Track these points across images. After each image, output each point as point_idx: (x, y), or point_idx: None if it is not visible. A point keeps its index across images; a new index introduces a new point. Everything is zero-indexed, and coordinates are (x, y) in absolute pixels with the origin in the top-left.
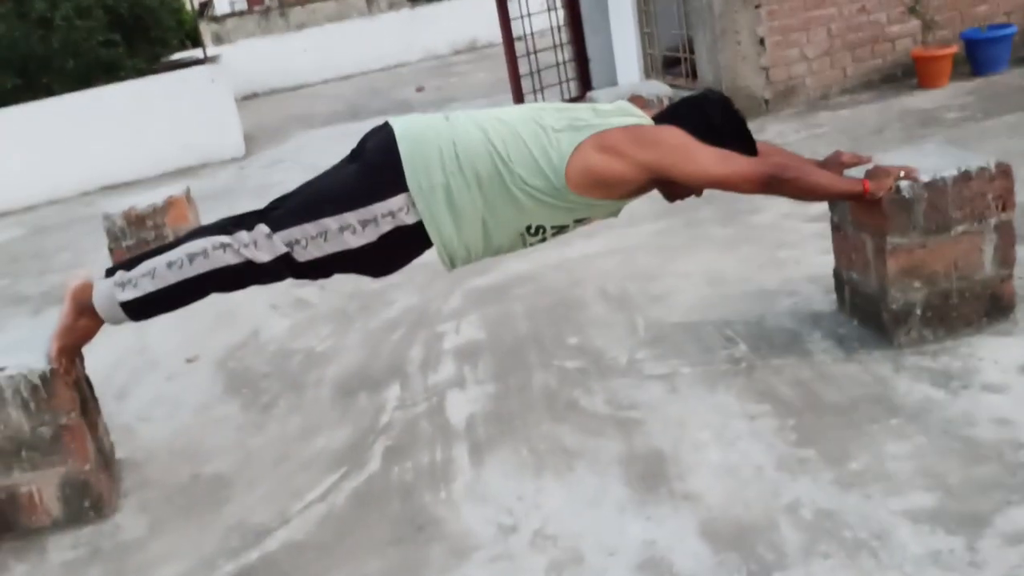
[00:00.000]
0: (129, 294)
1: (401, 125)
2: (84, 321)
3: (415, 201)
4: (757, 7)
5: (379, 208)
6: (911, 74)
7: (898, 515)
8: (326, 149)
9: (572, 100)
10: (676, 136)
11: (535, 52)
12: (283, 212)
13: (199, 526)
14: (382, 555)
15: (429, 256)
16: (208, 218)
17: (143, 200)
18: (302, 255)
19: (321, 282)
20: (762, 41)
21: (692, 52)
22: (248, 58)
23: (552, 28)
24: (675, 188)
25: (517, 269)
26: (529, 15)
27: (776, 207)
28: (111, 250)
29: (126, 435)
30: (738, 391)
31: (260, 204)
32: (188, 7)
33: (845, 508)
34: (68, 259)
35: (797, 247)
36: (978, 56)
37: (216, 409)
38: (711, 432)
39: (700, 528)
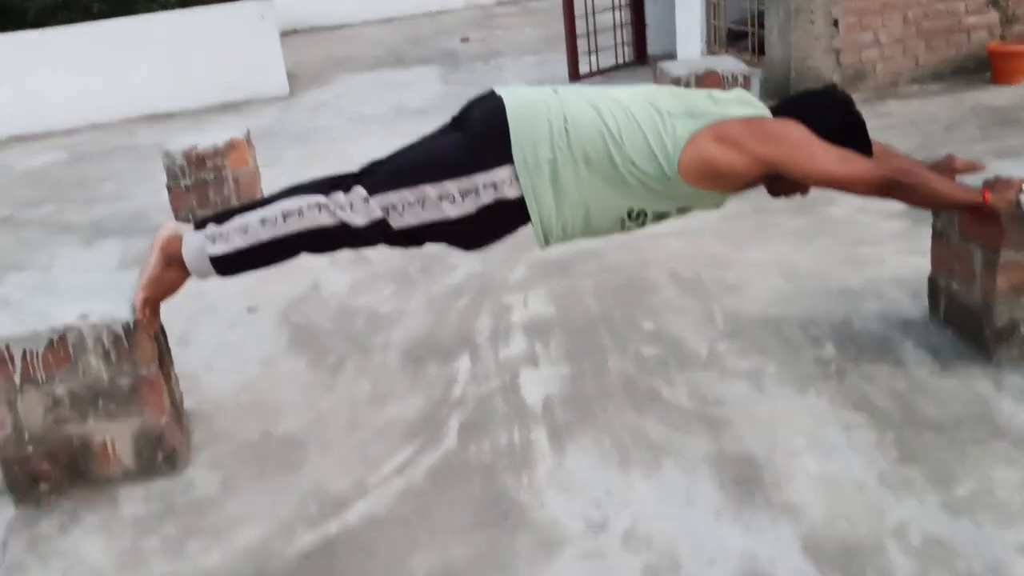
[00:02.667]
0: (219, 248)
1: (511, 96)
2: (171, 273)
3: (519, 175)
4: None
5: (481, 179)
6: (984, 68)
7: (1012, 549)
8: (370, 97)
9: (626, 65)
10: (798, 132)
11: (594, 13)
12: (382, 176)
13: (274, 488)
14: (467, 540)
15: None
16: (260, 158)
17: (204, 140)
18: (397, 222)
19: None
20: (836, 22)
21: (761, 27)
22: None
23: None
24: (783, 184)
25: (582, 244)
26: None
27: (850, 200)
28: (169, 188)
29: (192, 384)
30: (830, 397)
31: (304, 147)
32: None
33: (956, 536)
34: (112, 189)
35: (877, 245)
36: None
37: (282, 364)
38: (805, 439)
39: (802, 543)
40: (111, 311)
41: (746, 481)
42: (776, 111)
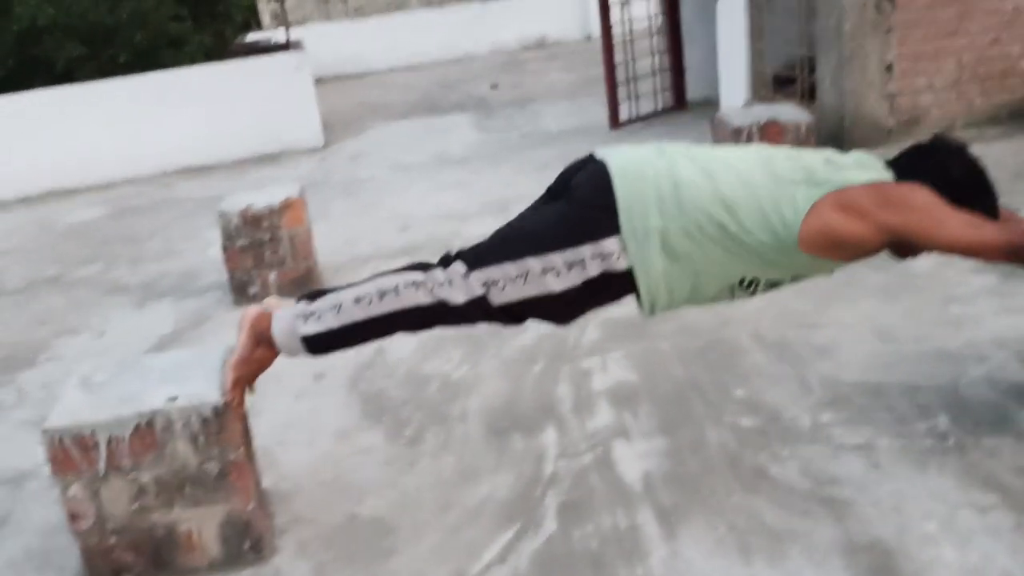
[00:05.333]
0: (312, 328)
1: (616, 161)
2: (260, 352)
3: (627, 245)
4: (888, 32)
5: (588, 250)
6: None
7: None
8: (408, 145)
9: (665, 111)
10: (924, 197)
11: (633, 59)
12: (481, 251)
13: None
14: None
15: None
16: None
17: (258, 200)
18: (498, 297)
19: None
20: (890, 67)
21: (810, 72)
22: (313, 42)
23: (650, 34)
24: (908, 248)
25: None
26: (630, 20)
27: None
28: (225, 249)
29: (266, 461)
30: (955, 475)
31: (350, 199)
32: None
33: None
34: (160, 246)
35: (970, 303)
36: None
37: (358, 438)
38: (938, 523)
39: None
40: (199, 393)
41: (883, 572)
42: (893, 169)
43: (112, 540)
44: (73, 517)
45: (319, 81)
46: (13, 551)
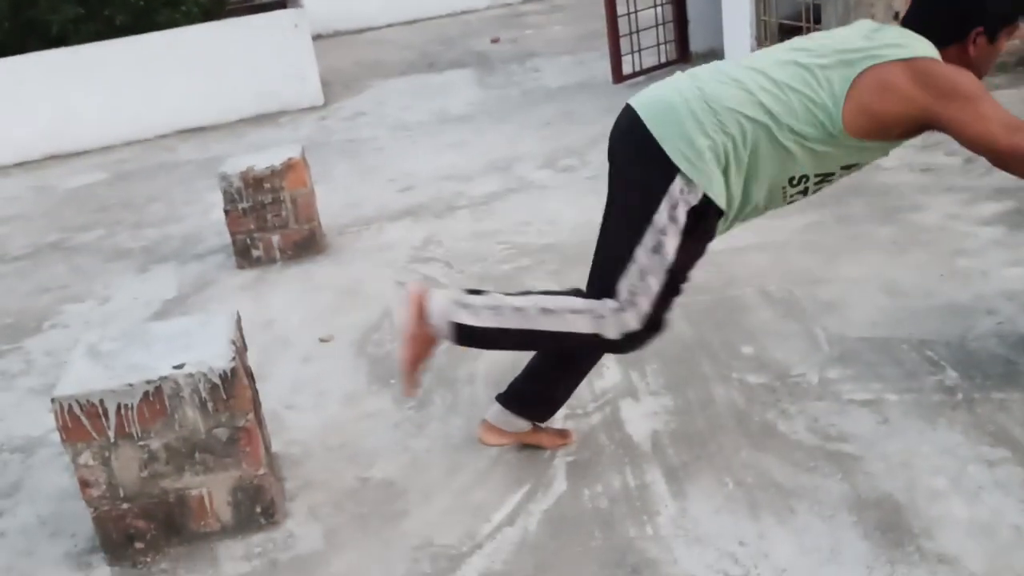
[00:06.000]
0: (465, 318)
1: (641, 103)
2: (424, 329)
3: (688, 175)
4: None
5: (665, 204)
6: None
7: None
8: (408, 104)
9: (670, 64)
10: (969, 85)
11: (635, 11)
12: (600, 276)
13: (381, 542)
14: None
15: (560, 238)
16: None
17: (260, 161)
18: (643, 304)
19: (449, 260)
20: (897, 15)
21: (816, 22)
22: None
23: None
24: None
25: None
26: None
27: (939, 205)
28: (227, 212)
29: (275, 425)
30: (964, 429)
31: (352, 161)
32: None
33: None
34: (161, 210)
35: (979, 256)
36: None
37: (366, 401)
38: (947, 479)
39: None
40: (206, 360)
41: (892, 528)
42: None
43: (124, 507)
44: (84, 484)
45: (317, 38)
46: (26, 518)
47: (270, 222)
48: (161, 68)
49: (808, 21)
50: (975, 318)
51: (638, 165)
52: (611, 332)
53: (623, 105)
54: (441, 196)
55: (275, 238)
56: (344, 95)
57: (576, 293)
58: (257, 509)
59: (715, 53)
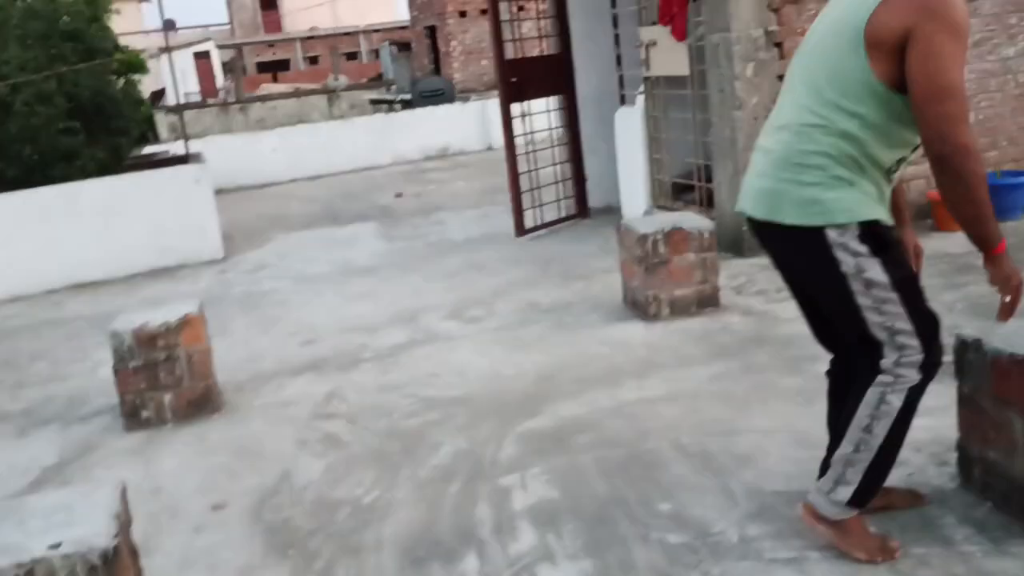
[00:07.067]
0: (847, 491)
1: (750, 204)
2: (846, 528)
3: (827, 222)
4: None
5: (840, 255)
6: (926, 215)
7: None
8: (312, 256)
9: (570, 218)
10: (956, 24)
11: (536, 169)
12: (852, 339)
13: None
14: None
15: (469, 390)
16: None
17: (154, 318)
18: (904, 329)
19: (353, 415)
20: None
21: (707, 181)
22: (213, 154)
23: (552, 145)
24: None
25: (570, 412)
26: (532, 132)
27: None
28: (116, 371)
29: None
30: None
31: (251, 313)
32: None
33: None
34: (45, 370)
35: None
36: (994, 202)
37: (263, 575)
38: None
39: None
40: (86, 539)
41: None
42: None
43: None
44: None
45: (219, 192)
46: None
47: (162, 380)
48: (54, 222)
49: (700, 180)
50: None
51: (794, 253)
52: (914, 375)
53: (529, 253)
54: (345, 349)
55: (167, 397)
56: (246, 248)
57: (856, 388)
58: None
59: (612, 209)
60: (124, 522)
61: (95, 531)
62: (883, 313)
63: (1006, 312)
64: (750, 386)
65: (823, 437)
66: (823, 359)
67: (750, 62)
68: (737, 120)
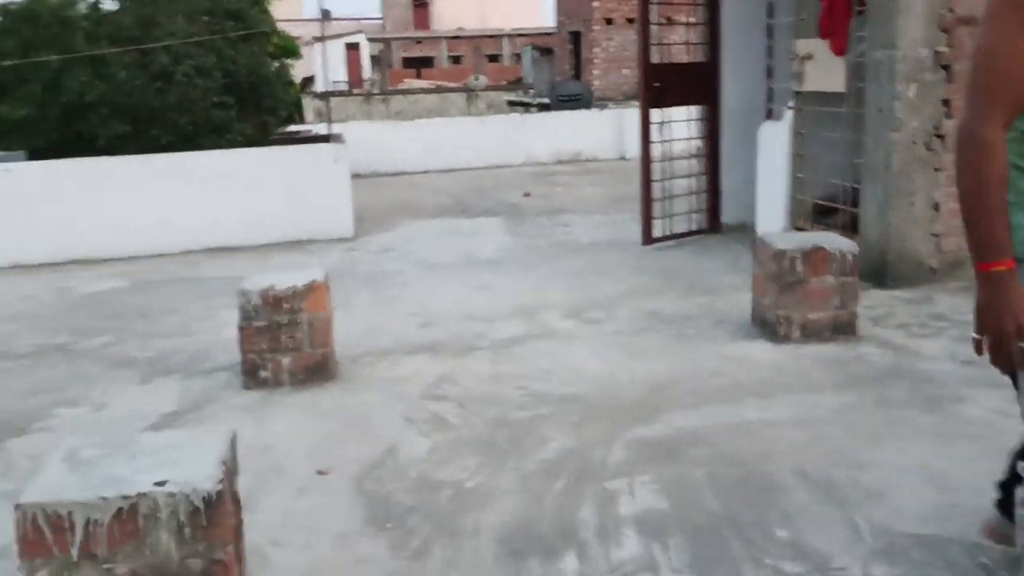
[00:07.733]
0: None
1: None
2: None
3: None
4: (937, 170)
5: None
6: None
7: None
8: (436, 244)
9: (700, 232)
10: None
11: (670, 178)
12: None
13: None
14: None
15: (582, 390)
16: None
17: (282, 280)
18: None
19: (462, 400)
20: (937, 206)
21: (853, 205)
22: (353, 139)
23: (689, 156)
24: None
25: (686, 424)
26: (670, 141)
27: (984, 399)
28: (241, 328)
29: (257, 561)
30: None
31: (374, 291)
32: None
33: None
34: (174, 323)
35: None
36: None
37: (359, 544)
38: None
39: None
40: (191, 480)
41: None
42: None
43: None
44: None
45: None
46: None
47: (283, 343)
48: (197, 186)
49: (845, 203)
50: None
51: None
52: None
53: (654, 262)
54: (461, 335)
55: (286, 360)
56: (375, 230)
57: None
58: None
59: (745, 227)
60: (230, 469)
61: (202, 474)
62: None
63: (994, 356)
64: (883, 420)
65: (962, 480)
66: (968, 400)
67: (913, 82)
68: (893, 142)
